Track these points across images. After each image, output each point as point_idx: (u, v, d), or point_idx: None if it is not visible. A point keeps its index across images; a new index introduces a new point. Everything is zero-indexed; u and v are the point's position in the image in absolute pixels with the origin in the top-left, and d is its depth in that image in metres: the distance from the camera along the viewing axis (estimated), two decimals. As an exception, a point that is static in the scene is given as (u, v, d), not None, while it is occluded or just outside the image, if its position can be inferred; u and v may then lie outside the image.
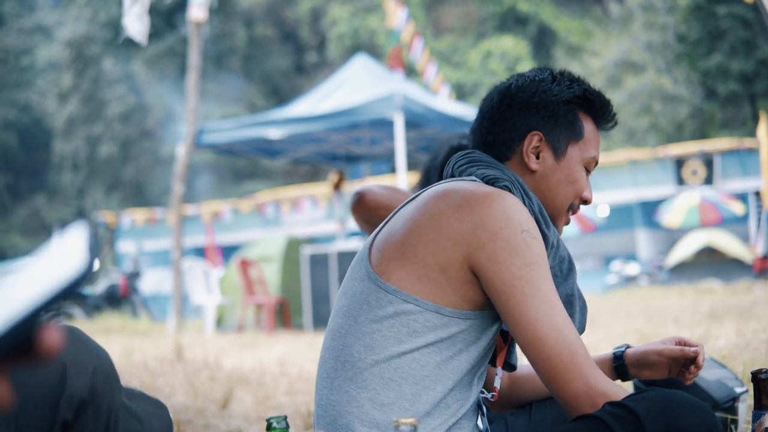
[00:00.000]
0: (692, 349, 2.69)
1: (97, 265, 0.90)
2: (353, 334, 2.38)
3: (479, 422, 2.52)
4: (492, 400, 2.63)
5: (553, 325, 2.24)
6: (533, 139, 2.56)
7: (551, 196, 2.56)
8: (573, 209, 2.64)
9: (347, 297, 2.45)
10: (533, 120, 2.58)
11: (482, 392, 2.62)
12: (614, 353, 2.78)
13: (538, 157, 2.57)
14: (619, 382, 2.74)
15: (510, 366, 2.68)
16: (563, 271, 2.56)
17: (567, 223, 2.68)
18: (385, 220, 2.54)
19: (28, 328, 0.85)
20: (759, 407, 2.51)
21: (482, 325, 2.38)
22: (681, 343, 2.77)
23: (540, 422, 2.80)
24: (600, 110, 2.66)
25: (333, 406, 2.39)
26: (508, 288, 2.24)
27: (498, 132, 2.60)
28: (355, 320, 2.38)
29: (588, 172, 2.65)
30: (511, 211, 2.28)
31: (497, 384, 2.61)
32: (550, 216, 2.57)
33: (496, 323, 2.42)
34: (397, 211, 2.52)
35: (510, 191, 2.42)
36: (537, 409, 2.83)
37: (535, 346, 2.25)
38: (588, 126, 2.63)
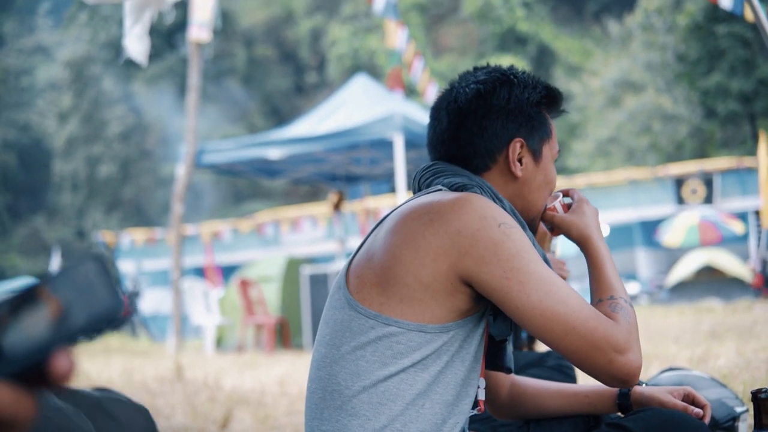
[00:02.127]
0: (695, 410, 2.59)
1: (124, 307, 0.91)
2: (338, 363, 2.34)
3: None
4: (477, 412, 2.55)
5: (558, 300, 2.22)
6: (516, 146, 2.53)
7: (533, 199, 2.55)
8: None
9: (329, 326, 2.42)
10: (512, 127, 2.53)
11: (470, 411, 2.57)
12: (620, 390, 2.75)
13: (522, 164, 2.55)
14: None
15: (506, 369, 2.64)
16: None
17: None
18: (359, 244, 2.50)
19: (46, 352, 0.86)
20: (759, 427, 2.51)
21: (466, 332, 2.34)
22: (690, 397, 2.68)
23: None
24: (560, 104, 2.68)
25: None
26: (503, 283, 2.22)
27: (477, 143, 2.54)
28: (339, 348, 2.35)
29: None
30: (483, 210, 2.26)
31: (481, 396, 2.53)
32: (529, 220, 2.55)
33: (478, 328, 2.39)
34: (370, 234, 2.48)
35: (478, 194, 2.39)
36: (536, 429, 2.82)
37: (550, 328, 2.23)
38: (551, 122, 2.65)
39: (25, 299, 0.88)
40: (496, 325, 2.43)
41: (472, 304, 2.32)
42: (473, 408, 2.50)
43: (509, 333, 2.49)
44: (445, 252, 2.24)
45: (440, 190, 2.44)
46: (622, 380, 2.25)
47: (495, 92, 2.56)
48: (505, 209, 2.40)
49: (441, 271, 2.24)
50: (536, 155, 2.55)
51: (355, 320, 2.33)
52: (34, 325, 0.86)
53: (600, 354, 2.22)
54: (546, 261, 2.44)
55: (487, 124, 2.54)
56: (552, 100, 2.62)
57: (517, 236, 2.25)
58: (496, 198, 2.43)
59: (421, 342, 2.28)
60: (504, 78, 2.60)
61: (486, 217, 2.24)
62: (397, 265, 2.28)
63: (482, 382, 2.55)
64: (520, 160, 2.54)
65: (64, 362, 0.86)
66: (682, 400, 2.64)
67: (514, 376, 2.81)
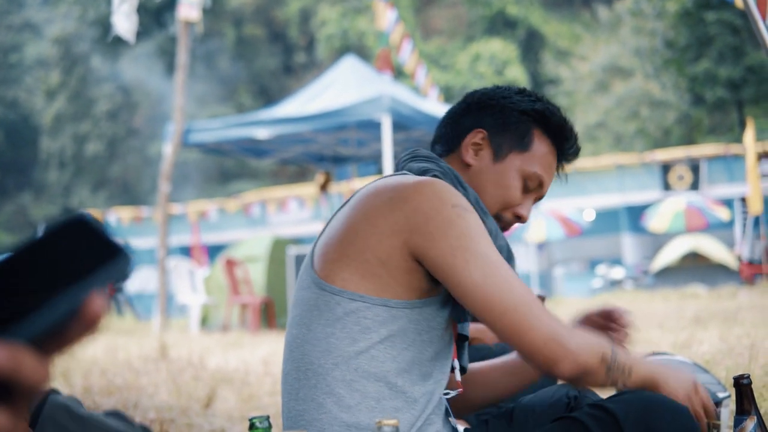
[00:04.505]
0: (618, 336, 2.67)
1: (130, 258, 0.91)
2: (309, 342, 2.36)
3: (452, 422, 2.51)
4: (458, 394, 2.58)
5: (500, 282, 2.20)
6: (476, 135, 2.56)
7: (482, 195, 2.54)
8: (503, 222, 2.60)
9: (298, 307, 2.44)
10: (483, 119, 2.58)
11: (446, 393, 2.56)
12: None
13: (477, 154, 2.57)
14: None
15: (462, 368, 2.63)
16: None
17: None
18: (325, 225, 2.52)
19: (68, 309, 0.86)
20: (741, 412, 2.52)
21: (431, 312, 2.35)
22: (609, 315, 2.76)
23: (522, 424, 2.80)
24: (556, 131, 2.62)
25: (301, 416, 2.37)
26: (449, 260, 2.22)
27: (450, 126, 2.63)
28: (309, 328, 2.37)
29: (528, 189, 2.59)
30: (441, 193, 2.27)
31: (458, 377, 2.56)
32: None
33: (445, 308, 2.39)
34: (335, 214, 2.50)
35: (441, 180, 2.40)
36: (519, 412, 2.83)
37: (489, 307, 2.20)
38: (541, 146, 2.60)
39: (22, 262, 0.88)
40: (455, 308, 2.43)
41: (429, 285, 2.32)
42: (452, 391, 2.52)
43: (467, 318, 2.49)
44: (399, 229, 2.26)
45: (405, 174, 2.47)
46: (553, 361, 2.20)
47: (488, 91, 2.66)
48: (468, 197, 2.42)
49: (395, 248, 2.27)
50: (497, 155, 2.56)
51: (321, 298, 2.35)
52: (48, 285, 0.86)
53: (535, 335, 2.19)
54: (510, 254, 2.47)
55: (464, 112, 2.63)
56: (544, 119, 2.60)
57: (470, 219, 2.26)
58: (459, 185, 2.45)
59: (386, 318, 2.30)
60: (512, 88, 2.67)
61: (442, 198, 2.25)
62: (357, 239, 2.30)
63: (457, 363, 2.57)
64: (477, 152, 2.57)
65: (96, 306, 0.87)
66: (605, 318, 2.72)
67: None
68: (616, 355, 2.30)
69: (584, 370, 2.23)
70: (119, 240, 0.91)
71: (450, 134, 2.63)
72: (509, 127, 2.57)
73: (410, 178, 2.35)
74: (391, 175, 2.49)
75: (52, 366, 0.86)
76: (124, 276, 0.91)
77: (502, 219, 2.58)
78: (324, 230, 2.49)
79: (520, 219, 2.59)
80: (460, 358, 2.62)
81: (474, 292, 2.21)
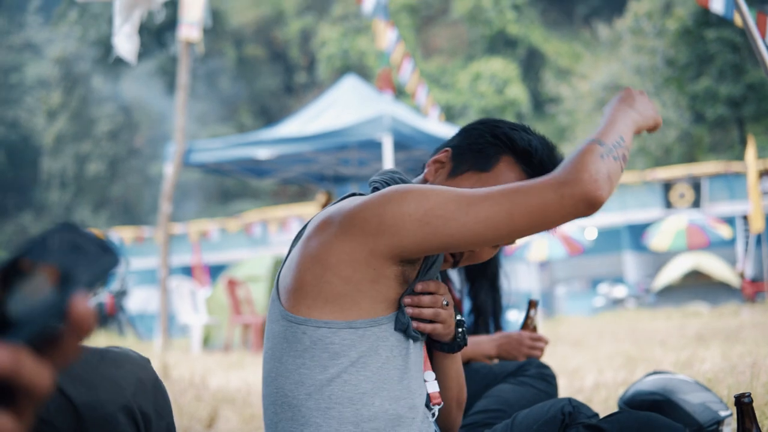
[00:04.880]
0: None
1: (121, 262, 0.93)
2: (283, 375, 2.34)
3: None
4: (439, 408, 2.51)
5: (481, 199, 2.13)
6: (442, 153, 2.56)
7: None
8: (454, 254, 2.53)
9: (270, 340, 2.42)
10: (457, 139, 2.59)
11: (430, 408, 2.50)
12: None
13: (437, 171, 2.55)
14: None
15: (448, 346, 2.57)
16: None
17: (449, 263, 2.57)
18: (286, 254, 2.50)
19: (60, 310, 0.87)
20: (743, 431, 2.52)
21: (398, 326, 2.31)
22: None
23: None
24: (532, 162, 2.53)
25: None
26: (427, 229, 2.14)
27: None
28: (280, 361, 2.35)
29: None
30: (383, 194, 2.20)
31: (431, 389, 2.50)
32: None
33: (411, 320, 2.33)
34: (293, 245, 2.48)
35: (382, 184, 2.42)
36: (515, 429, 2.83)
37: (496, 224, 2.11)
38: (509, 173, 2.52)
39: (9, 271, 0.89)
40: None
41: (398, 290, 2.29)
42: (427, 403, 2.48)
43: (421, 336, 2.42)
44: (359, 243, 2.20)
45: (360, 196, 2.42)
46: (584, 203, 2.08)
47: (493, 119, 2.64)
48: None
49: (360, 261, 2.21)
50: (454, 172, 2.53)
51: (289, 330, 2.33)
52: (36, 290, 0.87)
53: (548, 199, 2.09)
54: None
55: (459, 133, 2.64)
56: (514, 146, 2.53)
57: (413, 187, 2.18)
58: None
59: (355, 339, 2.27)
60: (514, 125, 2.61)
61: (384, 193, 2.20)
62: (314, 266, 2.26)
63: (430, 375, 2.52)
64: (438, 168, 2.57)
65: (81, 306, 0.88)
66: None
67: None
68: (602, 139, 2.20)
69: (608, 176, 2.13)
70: (106, 242, 0.93)
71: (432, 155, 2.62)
72: (476, 147, 2.54)
73: (356, 198, 2.31)
74: (343, 198, 2.45)
75: (53, 370, 0.87)
76: (107, 275, 0.92)
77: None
78: (285, 261, 2.47)
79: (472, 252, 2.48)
80: (434, 367, 2.58)
81: (475, 230, 2.13)
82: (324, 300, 2.26)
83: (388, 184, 2.43)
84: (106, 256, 0.92)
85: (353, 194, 2.46)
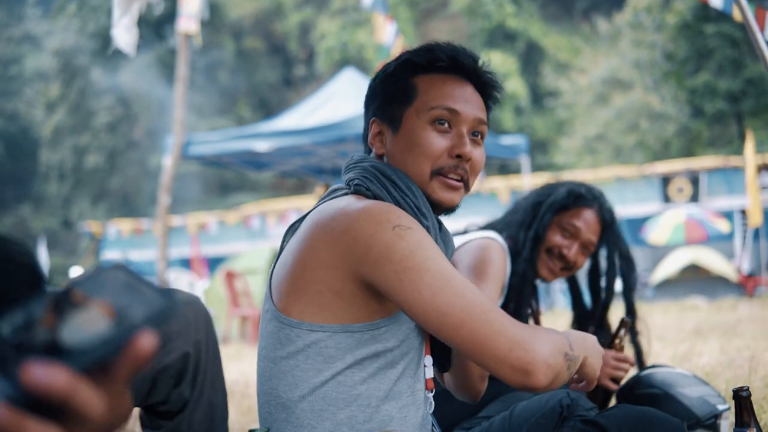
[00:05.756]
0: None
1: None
2: (276, 376, 2.33)
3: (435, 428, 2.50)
4: (431, 395, 2.49)
5: (452, 294, 2.10)
6: (372, 126, 2.52)
7: (407, 171, 2.42)
8: (445, 171, 2.42)
9: (263, 339, 2.41)
10: (371, 110, 2.55)
11: (426, 396, 2.49)
12: None
13: (382, 141, 2.51)
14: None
15: (441, 365, 2.57)
16: None
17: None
18: (279, 250, 2.50)
19: (116, 344, 0.91)
20: (741, 425, 2.52)
21: (398, 327, 2.31)
22: None
23: (517, 428, 2.79)
24: (428, 62, 2.49)
25: None
26: (396, 285, 2.13)
27: (364, 125, 2.60)
28: (274, 362, 2.34)
29: (445, 127, 2.43)
30: (378, 216, 2.19)
31: (428, 375, 2.48)
32: (423, 190, 2.43)
33: (411, 321, 2.34)
34: (287, 239, 2.48)
35: (366, 189, 2.36)
36: (513, 420, 2.82)
37: (445, 322, 2.10)
38: (428, 83, 2.46)
39: (61, 301, 0.92)
40: None
41: (390, 305, 2.27)
42: (429, 393, 2.48)
43: None
44: (345, 261, 2.20)
45: (342, 190, 2.44)
46: (524, 370, 2.07)
47: (373, 78, 2.59)
48: (401, 189, 2.36)
49: (346, 279, 2.21)
50: (394, 124, 2.47)
51: (282, 331, 2.31)
52: (90, 322, 0.91)
53: (498, 343, 2.07)
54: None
55: (364, 110, 2.60)
56: (412, 63, 2.50)
57: (413, 236, 2.17)
58: (389, 182, 2.37)
59: (351, 343, 2.25)
60: (388, 62, 2.59)
61: (381, 221, 2.17)
62: (306, 273, 2.26)
63: (428, 360, 2.50)
64: (380, 138, 2.51)
65: (147, 344, 0.91)
66: None
67: None
68: (572, 346, 2.23)
69: (556, 374, 2.13)
70: (161, 288, 0.96)
71: (364, 138, 2.59)
72: (385, 96, 2.50)
73: (348, 206, 2.27)
74: (331, 195, 2.45)
75: (104, 399, 0.89)
76: (164, 319, 0.95)
77: (441, 170, 2.42)
78: (279, 256, 2.45)
79: (462, 157, 2.42)
80: (433, 352, 2.55)
81: (426, 311, 2.12)
82: (317, 306, 2.26)
83: (368, 187, 2.37)
84: (163, 301, 0.96)
85: (337, 189, 2.47)
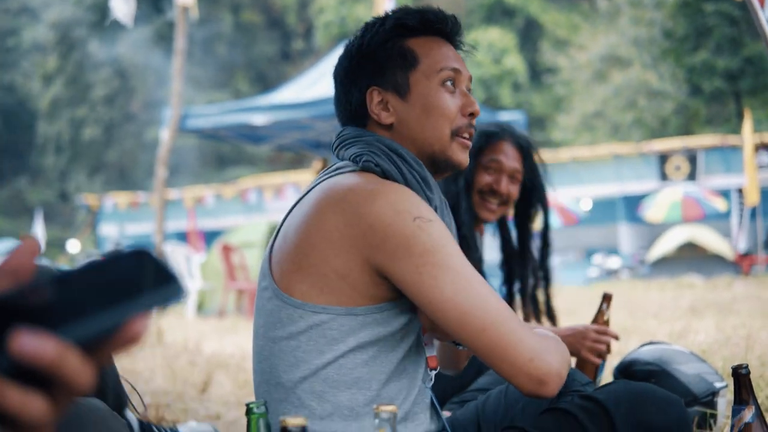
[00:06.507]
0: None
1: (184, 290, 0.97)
2: (276, 355, 2.30)
3: (437, 412, 2.48)
4: (434, 373, 2.45)
5: (474, 296, 2.11)
6: (373, 96, 2.44)
7: (423, 136, 2.40)
8: (462, 131, 2.43)
9: (262, 316, 2.37)
10: (363, 77, 2.47)
11: (428, 372, 2.46)
12: None
13: (388, 109, 2.44)
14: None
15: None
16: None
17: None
18: (280, 224, 2.43)
19: (119, 320, 0.92)
20: (739, 402, 2.52)
21: (401, 311, 2.28)
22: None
23: (511, 409, 2.78)
24: (421, 24, 2.49)
25: None
26: (415, 278, 2.12)
27: (349, 102, 2.50)
28: (274, 341, 2.30)
29: (452, 86, 2.45)
30: (397, 203, 2.17)
31: (431, 352, 2.45)
32: (440, 153, 2.43)
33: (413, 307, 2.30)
34: (289, 213, 2.41)
35: (375, 165, 2.31)
36: (509, 395, 2.81)
37: (465, 323, 2.11)
38: (424, 46, 2.47)
39: (74, 278, 0.93)
40: None
41: (397, 291, 2.24)
42: (431, 372, 2.45)
43: None
44: (358, 245, 2.17)
45: (348, 167, 2.38)
46: (539, 380, 2.11)
47: (352, 46, 2.53)
48: (409, 163, 2.33)
49: (355, 263, 2.19)
50: (401, 91, 2.43)
51: (283, 310, 2.28)
52: (95, 300, 0.92)
53: (519, 352, 2.10)
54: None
55: (348, 81, 2.50)
56: (405, 27, 2.49)
57: (434, 230, 2.15)
58: (396, 155, 2.34)
59: (354, 326, 2.23)
60: (366, 27, 2.55)
61: (400, 211, 2.15)
62: (313, 253, 2.22)
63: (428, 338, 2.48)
64: (385, 106, 2.45)
65: (139, 328, 0.93)
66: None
67: None
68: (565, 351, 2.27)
69: (563, 382, 2.18)
70: (174, 271, 0.97)
71: (353, 107, 2.49)
72: (386, 63, 2.45)
73: (360, 186, 2.23)
74: (337, 174, 2.38)
75: (93, 372, 0.91)
76: (168, 303, 0.96)
77: (458, 131, 2.42)
78: (279, 230, 2.40)
79: (473, 114, 2.43)
80: None
81: (447, 310, 2.12)
82: (320, 289, 2.23)
83: (377, 163, 2.31)
84: (170, 286, 0.96)
85: (342, 167, 2.40)
